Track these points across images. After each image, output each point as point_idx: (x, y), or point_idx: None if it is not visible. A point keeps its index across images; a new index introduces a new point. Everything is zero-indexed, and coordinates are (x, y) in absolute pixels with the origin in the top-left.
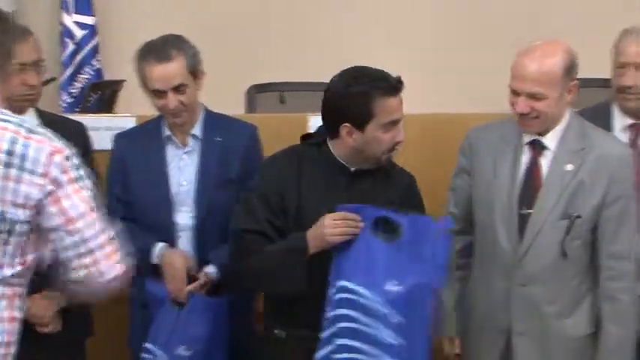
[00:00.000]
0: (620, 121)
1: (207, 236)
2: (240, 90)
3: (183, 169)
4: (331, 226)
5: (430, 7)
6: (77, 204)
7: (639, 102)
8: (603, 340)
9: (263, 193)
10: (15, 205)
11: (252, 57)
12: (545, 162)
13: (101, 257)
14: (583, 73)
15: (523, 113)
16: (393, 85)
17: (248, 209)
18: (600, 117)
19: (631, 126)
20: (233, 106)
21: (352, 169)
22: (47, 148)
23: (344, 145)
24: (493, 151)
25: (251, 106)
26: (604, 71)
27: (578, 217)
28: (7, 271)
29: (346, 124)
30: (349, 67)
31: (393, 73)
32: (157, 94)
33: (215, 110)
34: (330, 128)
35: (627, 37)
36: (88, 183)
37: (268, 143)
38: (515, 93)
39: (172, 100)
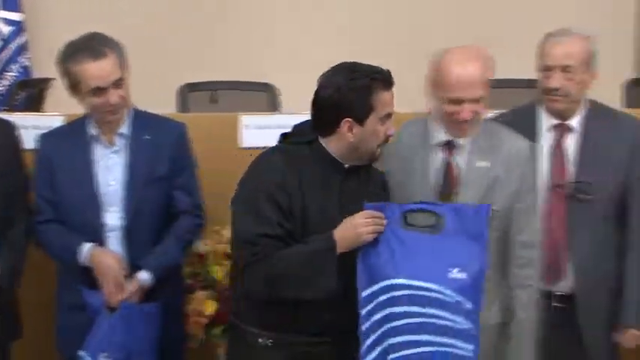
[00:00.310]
0: (546, 122)
1: (136, 237)
2: (171, 89)
3: (111, 169)
4: (364, 224)
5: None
6: None
7: (565, 104)
8: (515, 328)
9: (270, 194)
10: None
11: (184, 56)
12: (460, 160)
13: None
14: (509, 74)
15: (466, 120)
16: (388, 79)
17: (257, 211)
18: (526, 117)
19: (556, 126)
20: (165, 106)
21: (346, 165)
22: None
23: (341, 141)
24: (406, 152)
25: (183, 105)
26: (529, 72)
27: (497, 210)
28: None
29: (348, 118)
30: (338, 63)
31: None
32: (97, 92)
33: (147, 109)
34: (328, 125)
35: (552, 40)
36: None
37: (200, 142)
38: (457, 101)
39: (114, 96)
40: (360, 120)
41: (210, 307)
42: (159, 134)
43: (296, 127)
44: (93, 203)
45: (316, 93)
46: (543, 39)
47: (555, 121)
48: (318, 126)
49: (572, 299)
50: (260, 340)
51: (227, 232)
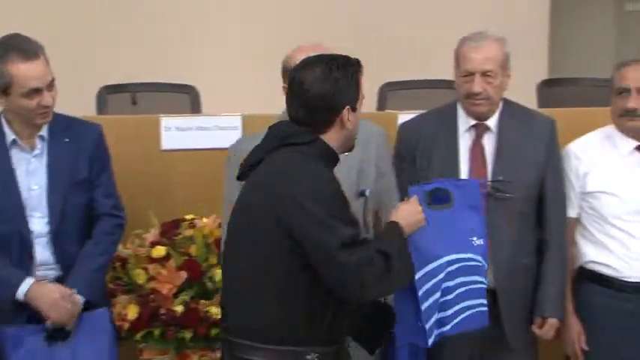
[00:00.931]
0: (464, 123)
1: (63, 241)
2: (90, 91)
3: (32, 173)
4: (420, 210)
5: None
6: None
7: (486, 107)
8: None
9: (343, 197)
10: None
11: (103, 58)
12: None
13: None
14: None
15: None
16: (360, 64)
17: (341, 217)
18: (447, 118)
19: (474, 126)
20: (84, 108)
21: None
22: None
23: (341, 131)
24: None
25: (102, 108)
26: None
27: (365, 192)
28: None
29: (347, 106)
30: (311, 56)
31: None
32: (31, 93)
33: (66, 112)
34: (326, 118)
35: (469, 45)
36: None
37: (120, 144)
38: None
39: (48, 98)
40: (354, 107)
41: (132, 312)
42: (77, 136)
43: (279, 130)
44: (17, 210)
45: (305, 90)
46: (460, 43)
47: (473, 122)
48: (313, 122)
49: (495, 295)
50: (308, 357)
51: (149, 236)
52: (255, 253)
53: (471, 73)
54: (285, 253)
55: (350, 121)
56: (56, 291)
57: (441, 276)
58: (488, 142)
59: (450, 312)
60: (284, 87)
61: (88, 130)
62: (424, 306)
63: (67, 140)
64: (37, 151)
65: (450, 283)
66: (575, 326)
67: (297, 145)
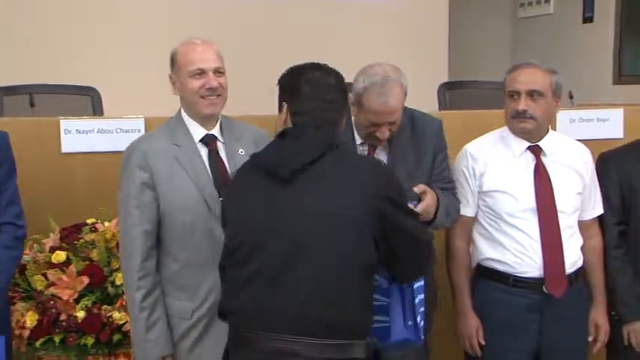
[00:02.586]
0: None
1: None
2: None
3: None
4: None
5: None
6: None
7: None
8: None
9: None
10: None
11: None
12: (222, 151)
13: None
14: None
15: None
16: None
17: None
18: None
19: (365, 142)
20: None
21: None
22: None
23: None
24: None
25: None
26: None
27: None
28: None
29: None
30: (304, 63)
31: None
32: None
33: None
34: (340, 116)
35: (375, 91)
36: None
37: (19, 147)
38: None
39: None
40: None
41: (31, 319)
42: None
43: (317, 135)
44: None
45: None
46: (366, 85)
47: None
48: (332, 125)
49: None
50: (370, 347)
51: (49, 240)
52: (342, 253)
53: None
54: (372, 252)
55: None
56: None
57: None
58: (381, 156)
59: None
60: (170, 76)
61: None
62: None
63: None
64: None
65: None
66: (472, 321)
67: (343, 146)
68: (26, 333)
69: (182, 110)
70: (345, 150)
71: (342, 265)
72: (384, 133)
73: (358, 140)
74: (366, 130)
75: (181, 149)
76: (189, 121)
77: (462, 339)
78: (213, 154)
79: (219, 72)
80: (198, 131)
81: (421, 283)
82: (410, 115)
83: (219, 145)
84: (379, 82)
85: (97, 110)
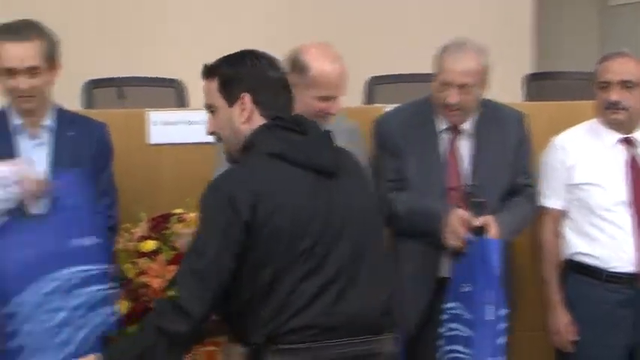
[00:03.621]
0: (439, 125)
1: None
2: (76, 85)
3: (35, 162)
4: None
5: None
6: None
7: (461, 116)
8: None
9: None
10: None
11: (89, 51)
12: None
13: None
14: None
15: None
16: None
17: None
18: (423, 116)
19: (449, 129)
20: (69, 102)
21: None
22: None
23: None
24: None
25: (88, 102)
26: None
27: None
28: None
29: None
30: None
31: None
32: (7, 73)
33: None
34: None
35: (450, 56)
36: None
37: None
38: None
39: (24, 83)
40: None
41: (124, 306)
42: (83, 132)
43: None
44: None
45: None
46: (441, 51)
47: (447, 125)
48: None
49: None
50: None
51: (138, 230)
52: (381, 245)
53: (449, 84)
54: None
55: None
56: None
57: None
58: (464, 145)
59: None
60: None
61: (94, 127)
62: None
63: (72, 134)
64: (40, 140)
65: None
66: (563, 318)
67: None
68: (119, 320)
69: None
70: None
71: (384, 258)
72: (454, 97)
73: (441, 126)
74: (437, 96)
75: None
76: None
77: (552, 335)
78: None
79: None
80: None
81: (504, 311)
82: (493, 106)
83: None
84: (456, 43)
85: (181, 102)
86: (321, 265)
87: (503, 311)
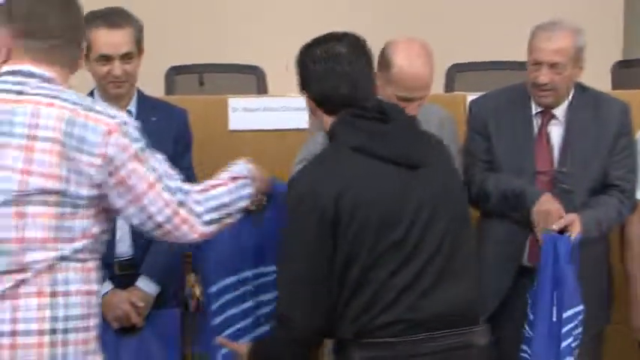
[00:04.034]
0: (532, 108)
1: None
2: (158, 71)
3: None
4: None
5: None
6: (139, 181)
7: (553, 98)
8: None
9: None
10: (78, 184)
11: (170, 38)
12: None
13: (172, 228)
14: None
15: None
16: None
17: None
18: (519, 99)
19: (541, 113)
20: (151, 88)
21: None
22: (103, 127)
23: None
24: None
25: (170, 88)
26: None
27: None
28: (77, 245)
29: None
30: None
31: None
32: (102, 59)
33: None
34: (374, 88)
35: (542, 35)
36: (148, 154)
37: None
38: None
39: (118, 69)
40: None
41: (200, 290)
42: (164, 117)
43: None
44: None
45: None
46: (533, 31)
47: (540, 108)
48: None
49: None
50: None
51: None
52: (470, 235)
53: (541, 63)
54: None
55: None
56: (125, 302)
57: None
58: (556, 131)
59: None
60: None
61: (175, 113)
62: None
63: (154, 119)
64: None
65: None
66: None
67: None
68: (195, 303)
69: None
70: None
71: (473, 248)
72: (546, 75)
73: (534, 110)
74: (530, 77)
75: None
76: None
77: (637, 331)
78: None
79: (420, 99)
80: None
81: (570, 312)
82: (594, 94)
83: None
84: (549, 22)
85: (261, 89)
86: (409, 258)
87: (573, 311)
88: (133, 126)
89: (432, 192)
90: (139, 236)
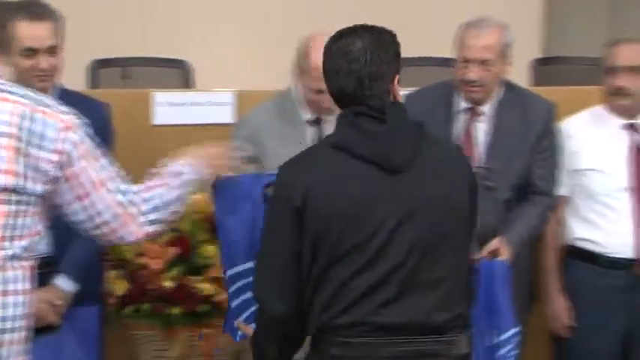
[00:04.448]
0: (458, 105)
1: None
2: (81, 65)
3: None
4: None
5: None
6: (89, 178)
7: (482, 94)
8: None
9: None
10: (34, 180)
11: (94, 31)
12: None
13: (117, 226)
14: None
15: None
16: None
17: None
18: (443, 96)
19: (467, 110)
20: (74, 82)
21: None
22: (59, 124)
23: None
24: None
25: (93, 82)
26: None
27: None
28: (24, 243)
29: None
30: (353, 27)
31: None
32: (27, 52)
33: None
34: (386, 87)
35: (471, 32)
36: (99, 152)
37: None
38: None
39: (44, 62)
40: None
41: (121, 287)
42: (84, 112)
43: (403, 113)
44: None
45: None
46: (461, 28)
47: (467, 105)
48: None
49: None
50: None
51: None
52: (463, 248)
53: (469, 60)
54: (470, 240)
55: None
56: (42, 300)
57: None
58: (482, 128)
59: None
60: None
61: (94, 107)
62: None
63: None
64: None
65: None
66: (561, 302)
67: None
68: (115, 300)
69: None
70: (429, 131)
71: (463, 260)
72: (474, 73)
73: (460, 107)
74: (458, 74)
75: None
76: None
77: (550, 320)
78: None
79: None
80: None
81: (507, 335)
82: (520, 92)
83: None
84: (475, 20)
85: (186, 83)
86: (371, 263)
87: (510, 333)
88: (84, 127)
89: (410, 199)
90: (58, 234)
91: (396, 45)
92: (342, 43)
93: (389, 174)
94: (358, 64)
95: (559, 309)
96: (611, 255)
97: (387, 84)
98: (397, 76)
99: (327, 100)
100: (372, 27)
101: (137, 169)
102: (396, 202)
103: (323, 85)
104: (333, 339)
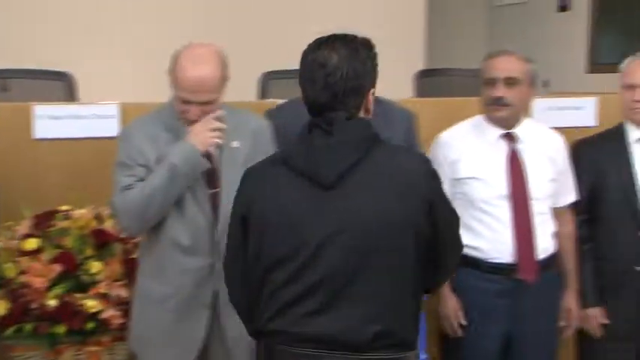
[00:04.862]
0: None
1: None
2: None
3: None
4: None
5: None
6: None
7: None
8: None
9: None
10: None
11: None
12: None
13: None
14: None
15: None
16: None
17: None
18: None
19: None
20: None
21: None
22: None
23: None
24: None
25: None
26: None
27: None
28: None
29: (372, 90)
30: (329, 36)
31: None
32: None
33: None
34: (357, 105)
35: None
36: None
37: None
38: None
39: None
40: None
41: (1, 307)
42: None
43: (351, 128)
44: None
45: (341, 73)
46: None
47: None
48: (351, 107)
49: None
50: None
51: (20, 228)
52: (402, 266)
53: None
54: (420, 253)
55: (372, 107)
56: None
57: None
58: None
59: None
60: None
61: None
62: None
63: None
64: None
65: None
66: (452, 302)
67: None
68: None
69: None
70: (388, 144)
71: (402, 278)
72: None
73: None
74: None
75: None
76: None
77: (441, 320)
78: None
79: (206, 104)
80: None
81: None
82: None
83: None
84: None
85: (70, 96)
86: (298, 276)
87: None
88: None
89: (341, 213)
90: None
91: (373, 58)
92: (319, 54)
93: (322, 189)
94: (334, 78)
95: (450, 308)
96: (492, 260)
97: (361, 98)
98: (372, 90)
99: (192, 112)
100: (352, 39)
101: (19, 183)
102: (326, 216)
103: (188, 96)
104: (264, 342)
